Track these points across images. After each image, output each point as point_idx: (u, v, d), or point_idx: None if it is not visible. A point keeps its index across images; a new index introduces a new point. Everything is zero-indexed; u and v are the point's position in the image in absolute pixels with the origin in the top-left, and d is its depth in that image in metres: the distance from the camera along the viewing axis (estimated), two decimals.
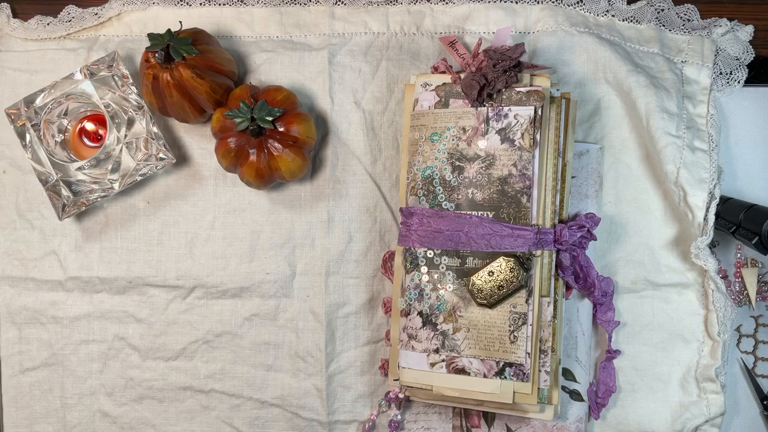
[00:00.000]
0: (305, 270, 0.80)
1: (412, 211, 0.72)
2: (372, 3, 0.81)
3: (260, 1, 0.82)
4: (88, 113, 0.79)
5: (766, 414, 0.78)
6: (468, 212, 0.70)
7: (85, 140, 0.79)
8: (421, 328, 0.72)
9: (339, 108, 0.80)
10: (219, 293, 0.80)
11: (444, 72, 0.75)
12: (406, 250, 0.73)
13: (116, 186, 0.77)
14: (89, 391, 0.81)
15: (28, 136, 0.76)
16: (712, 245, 0.79)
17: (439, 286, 0.71)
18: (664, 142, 0.75)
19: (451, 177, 0.71)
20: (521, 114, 0.70)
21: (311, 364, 0.79)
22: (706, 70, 0.78)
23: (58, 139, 0.78)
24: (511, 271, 0.68)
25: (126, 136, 0.77)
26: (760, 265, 0.79)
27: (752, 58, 0.79)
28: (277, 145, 0.72)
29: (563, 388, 0.75)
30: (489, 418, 0.76)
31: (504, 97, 0.71)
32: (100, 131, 0.79)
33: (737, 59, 0.79)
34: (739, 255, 0.79)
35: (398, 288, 0.74)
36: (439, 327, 0.71)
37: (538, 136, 0.69)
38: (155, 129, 0.77)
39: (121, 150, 0.76)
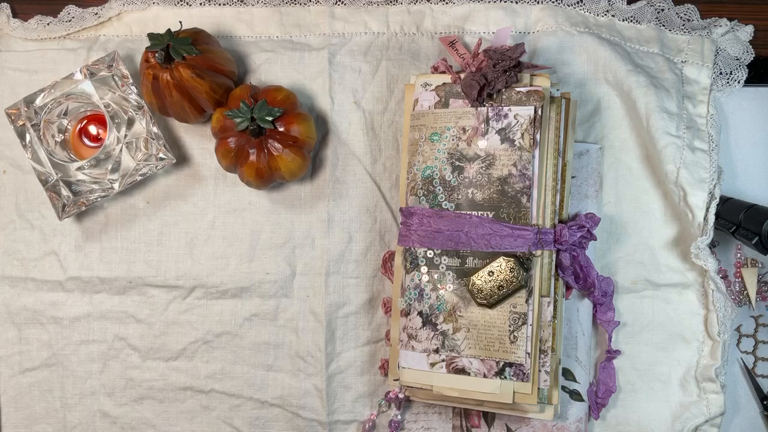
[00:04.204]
0: (305, 270, 0.80)
1: (412, 211, 0.72)
2: (372, 3, 0.81)
3: (260, 1, 0.82)
4: (88, 113, 0.79)
5: (766, 414, 0.78)
6: (468, 212, 0.70)
7: (85, 140, 0.79)
8: (421, 328, 0.72)
9: (339, 108, 0.80)
10: (219, 293, 0.80)
11: (444, 72, 0.75)
12: (406, 250, 0.73)
13: (116, 186, 0.77)
14: (89, 392, 0.81)
15: (28, 136, 0.76)
16: (712, 245, 0.79)
17: (439, 286, 0.71)
18: (664, 142, 0.75)
19: (451, 177, 0.71)
20: (521, 114, 0.70)
21: (311, 364, 0.79)
22: (706, 70, 0.78)
23: (58, 139, 0.78)
24: (511, 271, 0.68)
25: (126, 136, 0.77)
26: (760, 265, 0.79)
27: (752, 58, 0.79)
28: (277, 145, 0.72)
29: (563, 388, 0.75)
30: (489, 418, 0.76)
31: (504, 97, 0.71)
32: (100, 131, 0.79)
33: (737, 59, 0.79)
34: (739, 255, 0.79)
35: (398, 288, 0.74)
36: (439, 327, 0.71)
37: (538, 136, 0.69)
38: (155, 129, 0.77)
39: (121, 150, 0.76)
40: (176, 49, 0.70)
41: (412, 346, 0.72)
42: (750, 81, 0.79)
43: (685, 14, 0.80)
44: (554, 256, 0.70)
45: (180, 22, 0.76)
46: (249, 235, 0.80)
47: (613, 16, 0.79)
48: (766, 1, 0.81)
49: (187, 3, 0.82)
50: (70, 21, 0.82)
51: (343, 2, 0.81)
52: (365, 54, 0.80)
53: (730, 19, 0.79)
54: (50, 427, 0.81)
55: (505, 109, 0.70)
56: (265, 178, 0.74)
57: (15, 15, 0.83)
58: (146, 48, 0.72)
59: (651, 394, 0.77)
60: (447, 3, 0.80)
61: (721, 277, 0.78)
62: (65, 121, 0.78)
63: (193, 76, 0.71)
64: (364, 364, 0.79)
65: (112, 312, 0.80)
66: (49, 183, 0.76)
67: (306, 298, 0.80)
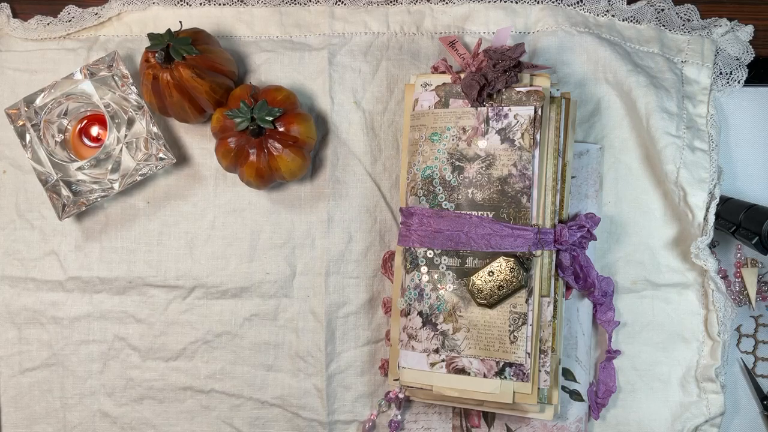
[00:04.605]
0: (305, 270, 0.80)
1: (412, 211, 0.72)
2: (372, 3, 0.81)
3: (260, 1, 0.82)
4: (88, 113, 0.79)
5: (766, 414, 0.78)
6: (468, 212, 0.70)
7: (85, 140, 0.79)
8: (421, 328, 0.72)
9: (339, 108, 0.80)
10: (219, 293, 0.80)
11: (444, 72, 0.75)
12: (406, 250, 0.73)
13: (116, 186, 0.77)
14: (89, 392, 0.81)
15: (28, 136, 0.76)
16: (712, 245, 0.79)
17: (439, 286, 0.71)
18: (664, 142, 0.75)
19: (451, 177, 0.71)
20: (521, 114, 0.70)
21: (311, 364, 0.79)
22: (706, 70, 0.78)
23: (58, 139, 0.78)
24: (511, 271, 0.68)
25: (126, 136, 0.77)
26: (760, 265, 0.79)
27: (752, 58, 0.79)
28: (277, 145, 0.72)
29: (563, 388, 0.75)
30: (489, 418, 0.76)
31: (504, 97, 0.71)
32: (100, 131, 0.79)
33: (737, 59, 0.79)
34: (739, 255, 0.79)
35: (398, 288, 0.74)
36: (439, 327, 0.71)
37: (538, 136, 0.69)
38: (155, 129, 0.77)
39: (121, 150, 0.76)
40: (176, 49, 0.70)
41: (412, 346, 0.72)
42: (750, 81, 0.79)
43: (685, 14, 0.80)
44: (554, 256, 0.70)
45: (180, 22, 0.76)
46: (249, 235, 0.80)
47: (613, 16, 0.79)
48: (766, 1, 0.81)
49: (187, 3, 0.82)
50: (70, 21, 0.82)
51: (343, 2, 0.81)
52: (365, 54, 0.80)
53: (730, 19, 0.79)
54: (50, 427, 0.81)
55: (505, 109, 0.70)
56: (265, 178, 0.74)
57: (15, 15, 0.83)
58: (146, 48, 0.72)
59: (651, 394, 0.77)
60: (447, 3, 0.80)
61: (721, 277, 0.78)
62: (65, 121, 0.78)
63: (193, 76, 0.71)
64: (364, 364, 0.79)
65: (112, 312, 0.80)
66: (49, 183, 0.76)
67: (306, 298, 0.80)
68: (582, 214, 0.72)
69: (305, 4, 0.81)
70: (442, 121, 0.72)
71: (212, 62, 0.73)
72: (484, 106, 0.71)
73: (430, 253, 0.72)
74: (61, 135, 0.78)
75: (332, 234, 0.80)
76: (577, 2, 0.80)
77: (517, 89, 0.70)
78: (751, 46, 0.79)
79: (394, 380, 0.76)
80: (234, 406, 0.80)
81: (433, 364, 0.71)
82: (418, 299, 0.72)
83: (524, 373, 0.68)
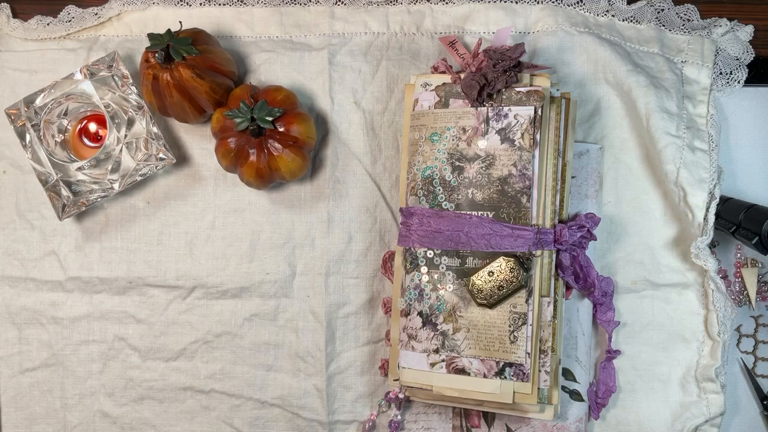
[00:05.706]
0: (305, 270, 0.80)
1: (412, 211, 0.72)
2: (372, 3, 0.81)
3: (260, 1, 0.82)
4: (88, 113, 0.79)
5: (766, 414, 0.78)
6: (468, 212, 0.70)
7: (85, 140, 0.79)
8: (421, 328, 0.72)
9: (339, 108, 0.80)
10: (219, 293, 0.80)
11: (444, 72, 0.75)
12: (406, 250, 0.73)
13: (116, 186, 0.77)
14: (89, 392, 0.81)
15: (28, 136, 0.76)
16: (712, 245, 0.79)
17: (439, 286, 0.71)
18: (664, 142, 0.75)
19: (451, 177, 0.71)
20: (521, 114, 0.70)
21: (311, 364, 0.79)
22: (706, 70, 0.78)
23: (58, 139, 0.78)
24: (511, 271, 0.68)
25: (126, 136, 0.77)
26: (760, 265, 0.79)
27: (752, 58, 0.79)
28: (277, 145, 0.72)
29: (563, 388, 0.75)
30: (489, 418, 0.76)
31: (504, 97, 0.71)
32: (100, 131, 0.79)
33: (737, 59, 0.79)
34: (739, 255, 0.79)
35: (398, 288, 0.74)
36: (439, 327, 0.71)
37: (538, 136, 0.69)
38: (155, 129, 0.77)
39: (121, 150, 0.76)
40: (176, 49, 0.70)
41: (412, 346, 0.72)
42: (750, 81, 0.79)
43: (685, 14, 0.80)
44: (554, 256, 0.70)
45: (180, 22, 0.76)
46: (249, 235, 0.80)
47: (613, 16, 0.79)
48: (766, 1, 0.81)
49: (187, 3, 0.82)
50: (70, 21, 0.82)
51: (343, 2, 0.81)
52: (365, 54, 0.80)
53: (730, 19, 0.79)
54: (50, 427, 0.81)
55: (505, 109, 0.70)
56: (265, 178, 0.74)
57: (15, 15, 0.83)
58: (146, 48, 0.72)
59: (651, 394, 0.77)
60: (447, 3, 0.80)
61: (721, 277, 0.78)
62: (65, 121, 0.78)
63: (193, 76, 0.71)
64: (364, 364, 0.79)
65: (112, 312, 0.80)
66: (49, 183, 0.76)
67: (306, 298, 0.80)
68: (582, 214, 0.72)
69: (305, 4, 0.81)
70: (442, 121, 0.72)
71: (212, 62, 0.73)
72: (484, 106, 0.71)
73: (430, 253, 0.72)
74: (61, 135, 0.78)
75: (332, 234, 0.80)
76: (577, 2, 0.80)
77: (517, 89, 0.70)
78: (751, 46, 0.79)
79: (394, 380, 0.76)
80: (234, 406, 0.80)
81: (433, 364, 0.71)
82: (418, 299, 0.72)
83: (524, 373, 0.68)
